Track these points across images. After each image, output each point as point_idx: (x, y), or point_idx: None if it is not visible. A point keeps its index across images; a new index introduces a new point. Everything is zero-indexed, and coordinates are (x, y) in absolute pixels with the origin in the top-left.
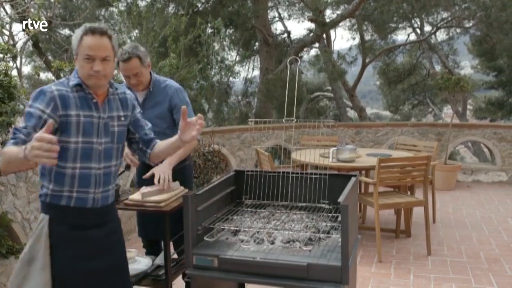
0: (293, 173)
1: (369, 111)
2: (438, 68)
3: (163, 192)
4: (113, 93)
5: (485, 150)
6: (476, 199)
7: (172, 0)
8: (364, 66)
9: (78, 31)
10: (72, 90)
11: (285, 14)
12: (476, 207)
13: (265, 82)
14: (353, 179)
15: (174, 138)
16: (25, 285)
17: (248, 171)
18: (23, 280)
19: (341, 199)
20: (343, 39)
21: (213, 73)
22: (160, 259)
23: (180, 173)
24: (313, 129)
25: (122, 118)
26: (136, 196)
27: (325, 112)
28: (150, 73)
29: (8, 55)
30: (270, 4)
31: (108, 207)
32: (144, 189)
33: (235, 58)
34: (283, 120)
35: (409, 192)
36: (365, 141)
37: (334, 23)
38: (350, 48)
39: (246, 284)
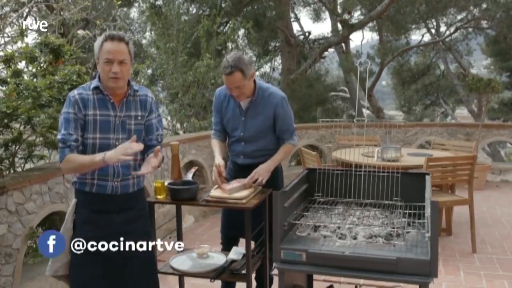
0: (364, 171)
1: None
2: (452, 68)
3: (245, 188)
4: (132, 95)
5: (501, 151)
6: (507, 199)
7: (193, 0)
8: (382, 67)
9: (100, 39)
10: (92, 92)
11: (301, 14)
12: (509, 206)
13: (290, 82)
14: (427, 177)
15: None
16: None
17: (319, 169)
18: None
19: (427, 195)
20: (364, 39)
21: None
22: (233, 254)
23: (272, 175)
24: (345, 128)
25: (139, 118)
26: (216, 192)
27: (342, 112)
28: (254, 81)
29: (73, 56)
30: None
31: (129, 195)
32: (228, 186)
33: (256, 59)
34: (354, 120)
35: (449, 191)
36: (394, 141)
37: (362, 24)
38: (378, 49)
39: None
